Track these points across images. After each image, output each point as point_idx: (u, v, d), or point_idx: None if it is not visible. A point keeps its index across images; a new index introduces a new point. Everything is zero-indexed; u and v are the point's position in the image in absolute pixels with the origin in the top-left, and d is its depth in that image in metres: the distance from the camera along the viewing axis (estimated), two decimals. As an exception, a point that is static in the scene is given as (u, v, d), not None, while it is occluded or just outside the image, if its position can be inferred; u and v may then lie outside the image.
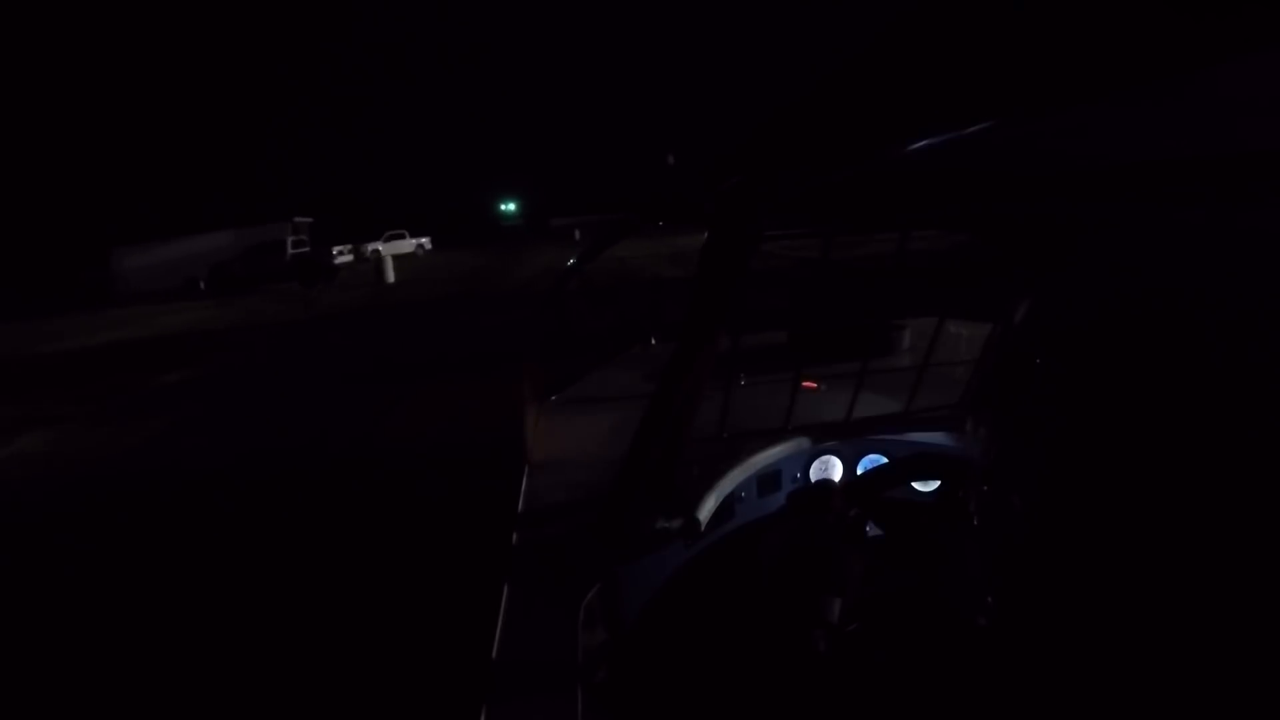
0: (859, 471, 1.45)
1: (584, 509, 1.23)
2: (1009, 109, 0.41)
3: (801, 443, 1.42)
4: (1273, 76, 0.31)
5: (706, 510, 1.17)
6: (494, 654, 0.89)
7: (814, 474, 1.45)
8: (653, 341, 2.51)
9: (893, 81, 0.50)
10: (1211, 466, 0.53)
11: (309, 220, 30.12)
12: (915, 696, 0.89)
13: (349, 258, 23.34)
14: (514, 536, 1.18)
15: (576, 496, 1.30)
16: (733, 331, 1.37)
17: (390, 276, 19.38)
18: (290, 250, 21.44)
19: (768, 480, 1.39)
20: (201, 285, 22.39)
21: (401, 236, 36.85)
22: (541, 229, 51.23)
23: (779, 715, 0.87)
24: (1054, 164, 0.60)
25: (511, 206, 62.72)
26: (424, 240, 37.35)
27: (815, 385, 1.76)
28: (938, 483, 1.00)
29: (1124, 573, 0.59)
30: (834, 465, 1.46)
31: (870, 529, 1.01)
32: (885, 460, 1.43)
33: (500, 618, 0.96)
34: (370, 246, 35.77)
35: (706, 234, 0.93)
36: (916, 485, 1.37)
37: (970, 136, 0.45)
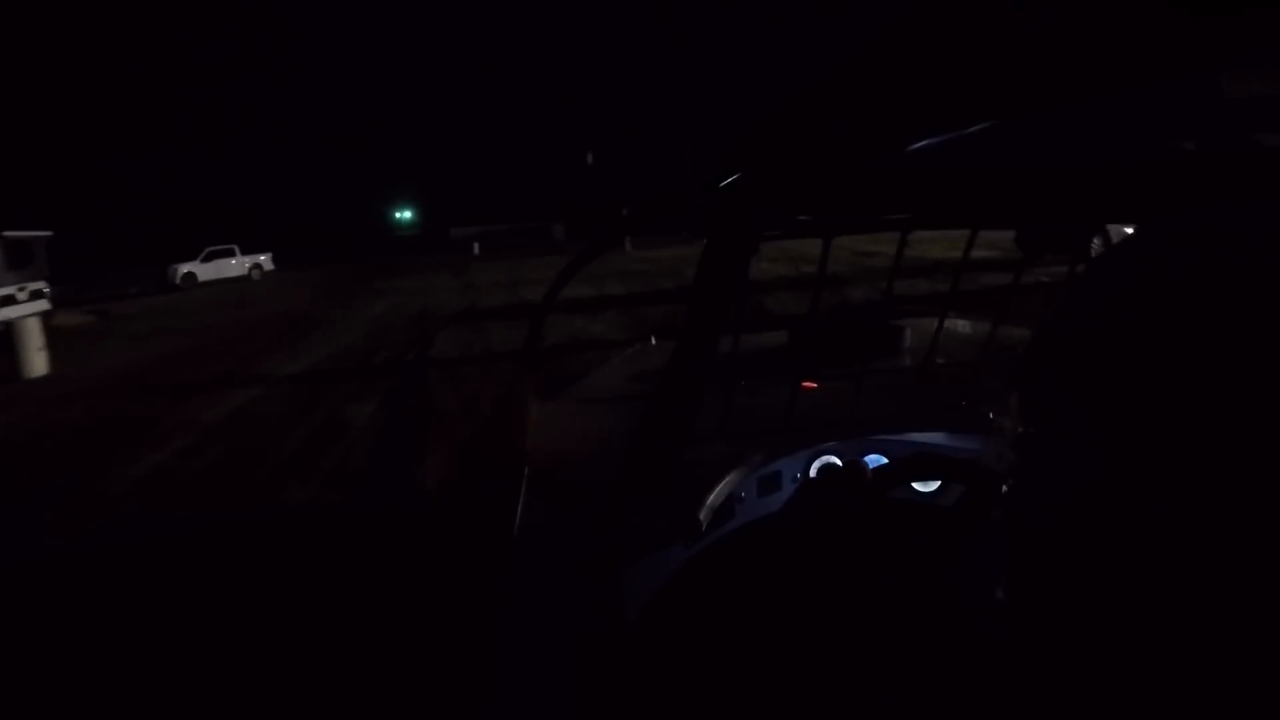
0: None
1: (584, 509, 1.25)
2: (1009, 109, 0.41)
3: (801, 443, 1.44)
4: (1273, 76, 0.31)
5: (706, 510, 1.19)
6: (493, 653, 0.92)
7: (814, 474, 1.44)
8: (653, 341, 2.53)
9: (892, 82, 0.50)
10: (1257, 476, 0.42)
11: (43, 235, 20.22)
12: (918, 697, 0.88)
13: (40, 305, 13.14)
14: (514, 536, 1.22)
15: (576, 496, 1.32)
16: (733, 331, 1.35)
17: (38, 366, 9.42)
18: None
19: (768, 480, 1.40)
20: None
21: (229, 254, 27.52)
22: (439, 239, 43.39)
23: (779, 715, 0.84)
24: (1054, 164, 0.63)
25: (408, 214, 53.57)
26: (261, 258, 28.11)
27: (815, 385, 1.76)
28: (937, 483, 1.07)
29: (1165, 588, 0.48)
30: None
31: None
32: (885, 460, 1.45)
33: (500, 617, 0.99)
34: (183, 269, 26.27)
35: (706, 235, 0.96)
36: (916, 485, 1.39)
37: (970, 137, 0.45)
